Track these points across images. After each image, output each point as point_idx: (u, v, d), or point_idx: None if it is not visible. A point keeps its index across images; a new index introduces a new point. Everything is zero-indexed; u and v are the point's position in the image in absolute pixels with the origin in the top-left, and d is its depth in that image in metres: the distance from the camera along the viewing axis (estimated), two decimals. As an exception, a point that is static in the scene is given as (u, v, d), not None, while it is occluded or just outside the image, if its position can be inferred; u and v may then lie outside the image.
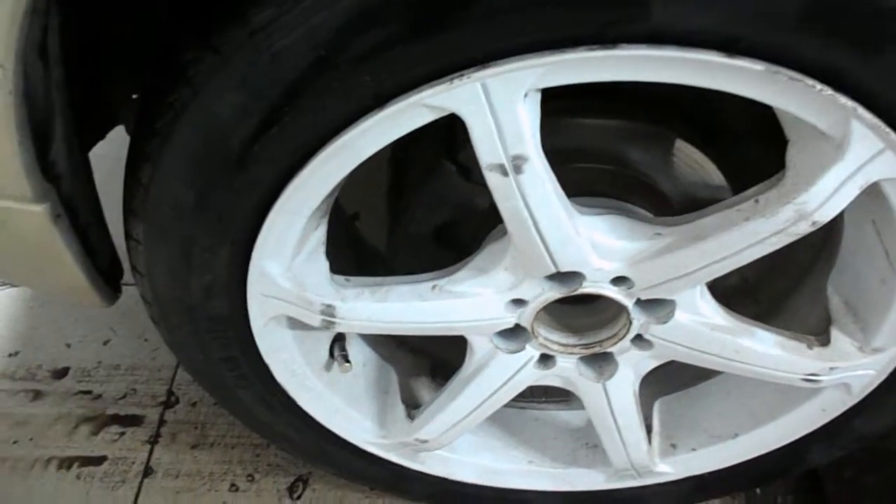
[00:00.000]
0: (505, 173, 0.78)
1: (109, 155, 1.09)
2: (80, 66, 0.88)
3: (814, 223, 0.80)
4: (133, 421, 1.54)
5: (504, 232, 0.89)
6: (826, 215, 0.80)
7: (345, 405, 1.15)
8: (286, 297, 0.94)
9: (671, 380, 1.22)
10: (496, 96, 0.73)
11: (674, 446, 1.20)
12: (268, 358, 1.04)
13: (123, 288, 1.05)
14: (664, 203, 1.01)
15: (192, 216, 0.86)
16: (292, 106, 0.75)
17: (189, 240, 0.89)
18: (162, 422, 1.53)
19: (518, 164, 0.77)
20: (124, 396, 1.57)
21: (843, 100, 0.71)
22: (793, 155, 0.79)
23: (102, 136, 1.10)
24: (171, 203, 0.86)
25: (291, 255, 0.91)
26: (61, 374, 1.62)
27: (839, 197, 0.78)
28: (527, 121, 0.75)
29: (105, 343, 1.67)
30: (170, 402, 1.56)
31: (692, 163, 1.00)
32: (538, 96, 0.75)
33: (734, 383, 1.17)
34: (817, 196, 0.78)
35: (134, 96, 1.09)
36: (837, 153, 0.75)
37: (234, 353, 1.04)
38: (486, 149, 0.76)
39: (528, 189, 0.80)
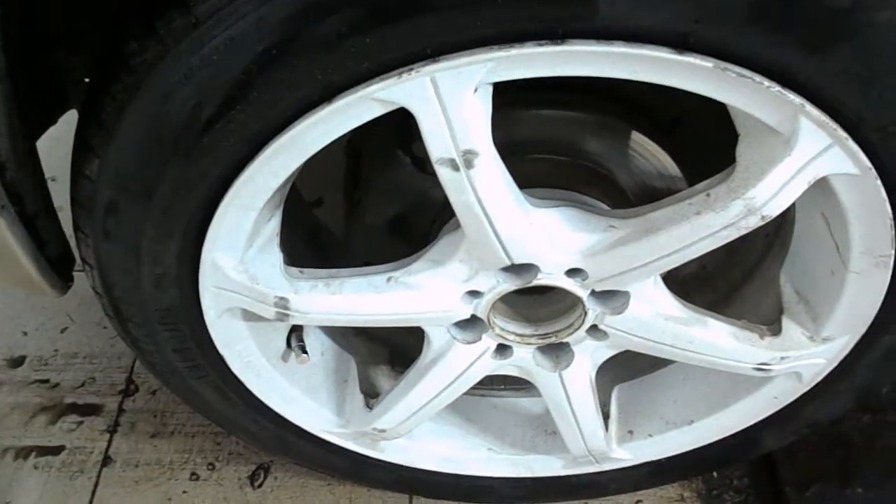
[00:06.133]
0: (456, 168, 0.77)
1: (65, 138, 1.07)
2: (26, 53, 0.85)
3: (763, 217, 0.81)
4: (91, 410, 1.52)
5: (458, 224, 0.88)
6: (775, 210, 0.80)
7: (303, 395, 1.14)
8: (239, 289, 0.93)
9: (629, 366, 1.23)
10: (446, 91, 0.72)
11: (631, 432, 1.22)
12: (223, 350, 1.03)
13: (81, 274, 1.03)
14: (620, 194, 1.01)
15: (140, 209, 0.84)
16: (239, 98, 0.74)
17: (138, 233, 0.87)
18: (121, 411, 1.52)
19: (469, 158, 0.77)
20: (82, 385, 1.56)
21: (791, 96, 0.71)
22: (742, 150, 0.79)
23: (54, 121, 1.08)
24: (118, 197, 0.84)
25: (243, 247, 0.90)
26: (17, 362, 1.60)
27: (787, 192, 0.79)
28: (477, 115, 0.74)
29: (62, 331, 1.64)
30: (129, 390, 1.55)
31: (648, 154, 1.00)
32: (489, 90, 0.75)
33: (690, 371, 1.18)
34: (766, 191, 0.78)
35: (87, 80, 1.07)
36: (785, 149, 0.76)
37: (188, 345, 1.03)
38: (437, 143, 0.76)
39: (480, 183, 0.79)
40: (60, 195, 0.96)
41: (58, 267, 0.99)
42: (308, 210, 1.28)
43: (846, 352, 1.00)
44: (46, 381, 1.56)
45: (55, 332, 1.64)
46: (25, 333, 1.64)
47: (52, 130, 1.05)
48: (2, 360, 1.60)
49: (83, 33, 0.96)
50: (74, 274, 1.02)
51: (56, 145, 1.05)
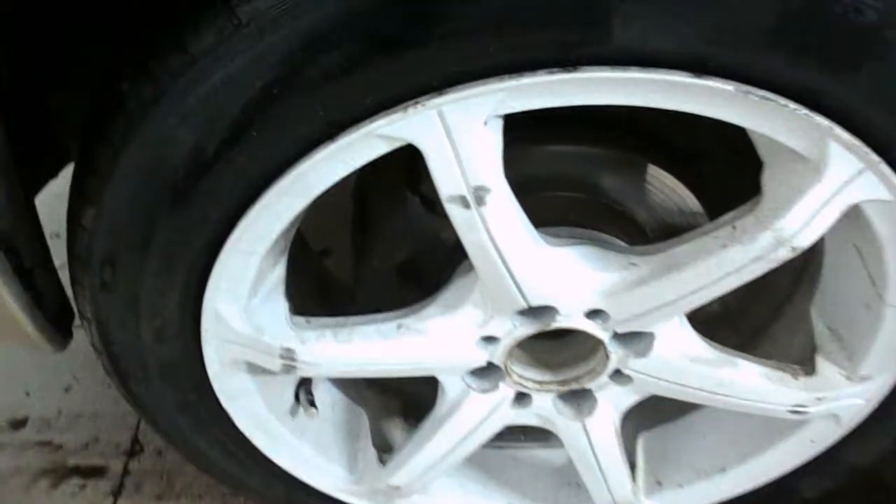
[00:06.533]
0: (466, 205, 0.74)
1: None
2: (21, 109, 0.84)
3: (793, 249, 0.77)
4: (95, 472, 1.46)
5: (471, 266, 0.84)
6: (806, 241, 0.76)
7: (312, 452, 1.09)
8: (243, 341, 0.89)
9: (655, 413, 1.17)
10: (454, 124, 0.69)
11: (659, 483, 1.15)
12: (227, 405, 0.99)
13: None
14: (638, 231, 0.97)
15: (138, 258, 0.81)
16: (239, 139, 0.71)
17: (136, 283, 0.84)
18: (126, 472, 1.46)
19: (480, 195, 0.73)
20: (86, 447, 1.50)
21: (819, 119, 0.68)
22: (768, 178, 0.75)
23: (55, 174, 1.06)
24: (115, 246, 0.81)
25: (247, 296, 0.86)
26: (19, 424, 1.55)
27: (819, 221, 0.75)
28: (488, 149, 0.71)
29: (66, 390, 1.60)
30: (134, 450, 1.49)
31: (666, 188, 0.97)
32: (500, 123, 0.71)
33: (719, 415, 1.12)
34: (795, 221, 0.74)
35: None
36: (815, 175, 0.72)
37: (191, 401, 0.98)
38: (446, 180, 0.72)
39: (492, 221, 0.76)
40: (64, 252, 0.93)
41: (56, 322, 0.96)
42: (314, 257, 1.25)
43: (886, 390, 0.94)
44: (49, 442, 1.51)
45: (59, 391, 1.60)
46: (28, 394, 1.60)
47: (55, 187, 1.03)
48: (3, 422, 1.55)
49: (78, 80, 0.95)
50: (78, 331, 0.99)
51: (57, 202, 1.02)
